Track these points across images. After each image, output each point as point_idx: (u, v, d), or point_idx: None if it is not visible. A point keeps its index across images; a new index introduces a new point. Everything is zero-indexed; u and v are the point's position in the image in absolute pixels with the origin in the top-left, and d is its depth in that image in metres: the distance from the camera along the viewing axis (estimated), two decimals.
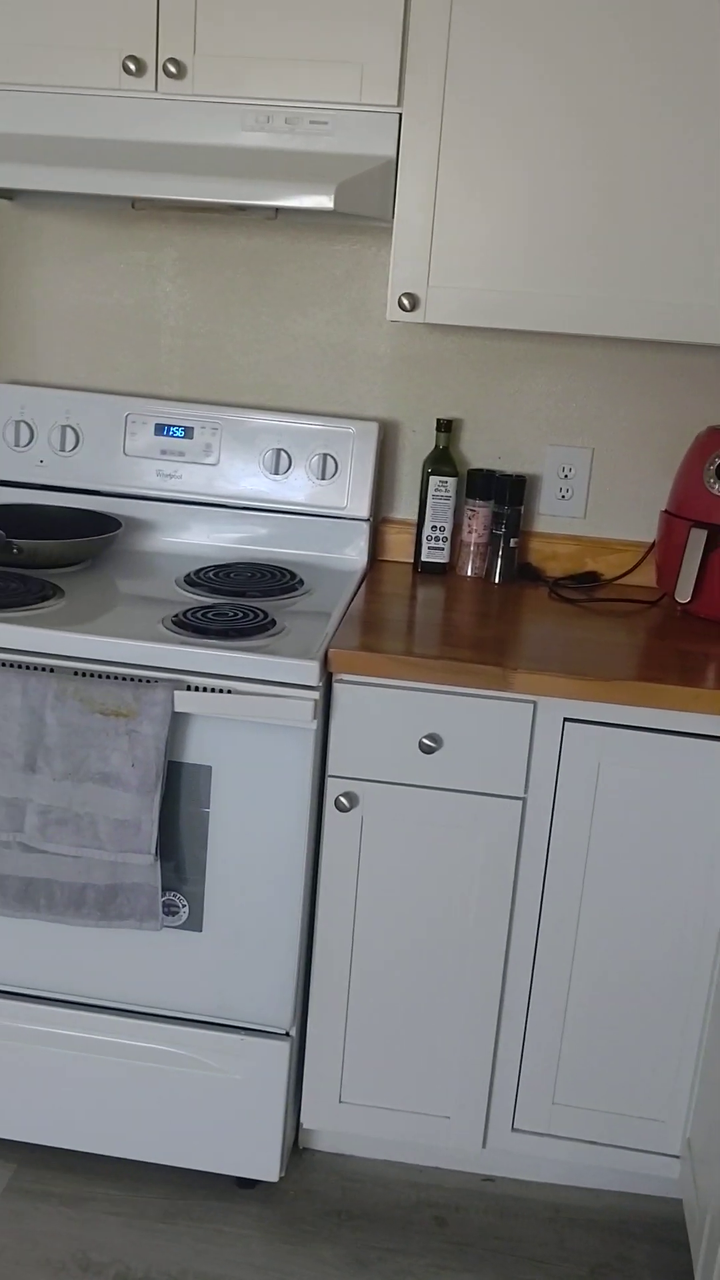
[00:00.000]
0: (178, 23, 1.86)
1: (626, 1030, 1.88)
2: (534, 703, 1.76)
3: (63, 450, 2.27)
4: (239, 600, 1.96)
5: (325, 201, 1.73)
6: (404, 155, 1.87)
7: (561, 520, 2.30)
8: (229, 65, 1.86)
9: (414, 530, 2.31)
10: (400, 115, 1.85)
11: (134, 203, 2.18)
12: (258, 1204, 1.95)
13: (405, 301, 1.92)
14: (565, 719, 1.76)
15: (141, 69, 1.88)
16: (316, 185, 1.74)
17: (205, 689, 1.72)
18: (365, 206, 1.84)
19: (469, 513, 2.25)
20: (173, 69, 1.86)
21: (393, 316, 1.93)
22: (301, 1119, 1.97)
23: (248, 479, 2.25)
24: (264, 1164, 1.92)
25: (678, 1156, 1.92)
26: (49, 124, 1.93)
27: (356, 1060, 1.93)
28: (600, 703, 1.74)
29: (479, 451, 2.30)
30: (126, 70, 1.87)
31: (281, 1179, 1.95)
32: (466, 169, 1.87)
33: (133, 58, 1.87)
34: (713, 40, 1.77)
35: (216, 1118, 1.90)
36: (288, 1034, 1.88)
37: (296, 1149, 2.07)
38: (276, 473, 2.23)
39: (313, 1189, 1.99)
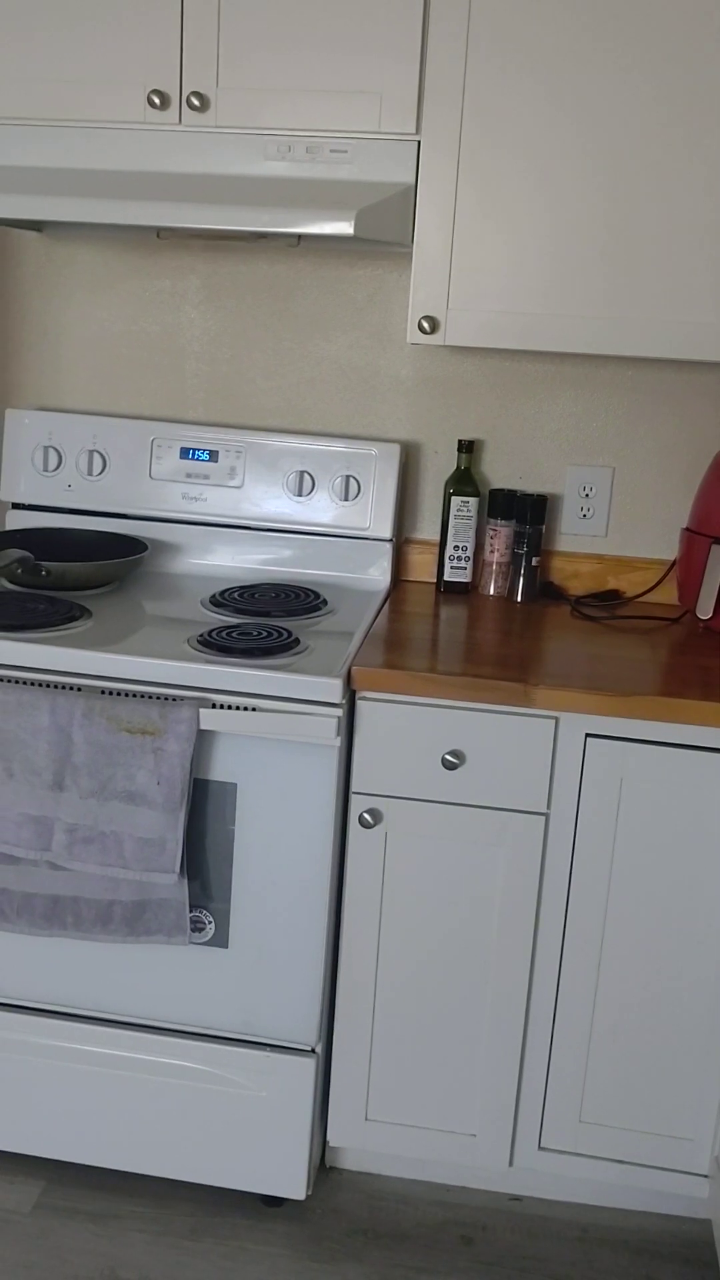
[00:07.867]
0: (201, 57, 1.90)
1: (653, 1047, 1.88)
2: (555, 718, 1.77)
3: (90, 474, 2.31)
4: (263, 620, 1.98)
5: (345, 228, 1.76)
6: (423, 182, 1.90)
7: (583, 539, 2.32)
8: (250, 97, 1.90)
9: (436, 550, 2.33)
10: (419, 143, 1.89)
11: (159, 232, 2.22)
12: (284, 1222, 1.95)
13: (425, 324, 1.95)
14: (587, 734, 1.77)
15: (166, 102, 1.92)
16: (336, 212, 1.77)
17: (230, 707, 1.75)
18: (385, 232, 1.87)
19: (491, 532, 2.27)
20: (196, 102, 1.91)
21: (413, 339, 1.96)
22: (328, 1136, 1.98)
23: (271, 501, 2.28)
24: (290, 1182, 1.92)
25: (706, 1176, 1.91)
26: (76, 157, 1.98)
27: (382, 1077, 1.94)
28: (621, 718, 1.74)
29: (500, 472, 2.32)
30: (151, 104, 1.92)
31: (308, 1197, 1.95)
32: (484, 194, 1.90)
33: (157, 91, 1.92)
34: (712, 62, 1.80)
35: (243, 1135, 1.91)
36: (313, 1051, 1.88)
37: (323, 1167, 2.07)
38: (300, 494, 2.26)
39: (339, 1207, 1.99)
